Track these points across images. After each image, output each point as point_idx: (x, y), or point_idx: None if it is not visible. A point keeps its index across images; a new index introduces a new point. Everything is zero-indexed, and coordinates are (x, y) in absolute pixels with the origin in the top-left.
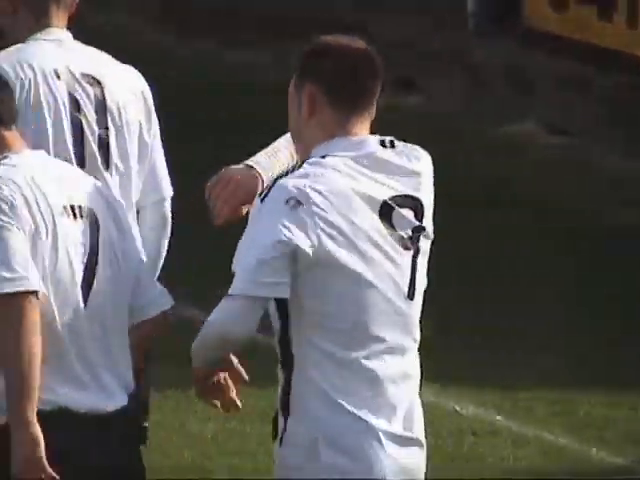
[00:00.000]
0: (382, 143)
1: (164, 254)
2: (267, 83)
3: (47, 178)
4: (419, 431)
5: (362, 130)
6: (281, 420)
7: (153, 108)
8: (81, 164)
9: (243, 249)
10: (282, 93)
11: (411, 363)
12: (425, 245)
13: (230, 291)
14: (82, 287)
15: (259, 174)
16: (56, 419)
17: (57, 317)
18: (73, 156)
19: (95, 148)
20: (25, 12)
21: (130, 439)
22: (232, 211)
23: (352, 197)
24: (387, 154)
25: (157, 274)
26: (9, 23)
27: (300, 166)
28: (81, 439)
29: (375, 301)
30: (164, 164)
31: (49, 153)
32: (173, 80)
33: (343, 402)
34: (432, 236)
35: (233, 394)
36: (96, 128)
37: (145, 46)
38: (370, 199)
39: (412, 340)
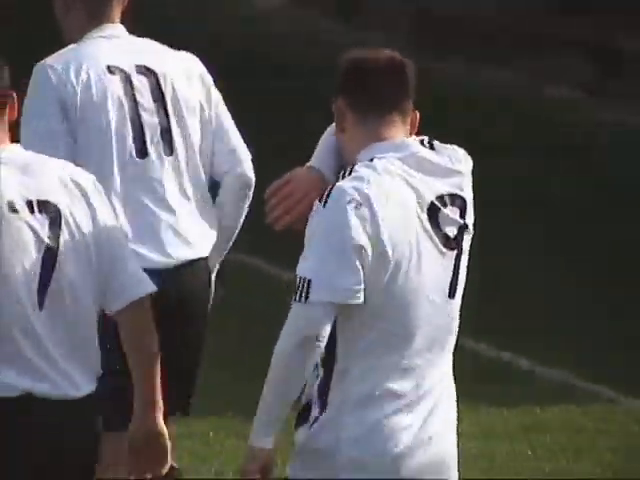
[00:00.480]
0: (422, 143)
1: (242, 219)
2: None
3: (9, 172)
4: (449, 429)
5: (397, 134)
6: (315, 409)
7: (213, 87)
8: (143, 153)
9: (313, 254)
10: None
11: (448, 361)
12: (467, 244)
13: (310, 297)
14: (38, 285)
15: (324, 178)
16: (19, 404)
17: (5, 315)
18: (134, 147)
19: (157, 136)
20: (79, 10)
21: (92, 426)
22: (293, 220)
23: (403, 197)
24: (429, 154)
25: (233, 239)
26: (65, 23)
27: (351, 170)
28: (42, 424)
29: (419, 300)
30: (236, 132)
31: (111, 148)
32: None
33: (379, 400)
34: (472, 232)
35: None
36: (155, 117)
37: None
38: (419, 199)
39: (451, 339)
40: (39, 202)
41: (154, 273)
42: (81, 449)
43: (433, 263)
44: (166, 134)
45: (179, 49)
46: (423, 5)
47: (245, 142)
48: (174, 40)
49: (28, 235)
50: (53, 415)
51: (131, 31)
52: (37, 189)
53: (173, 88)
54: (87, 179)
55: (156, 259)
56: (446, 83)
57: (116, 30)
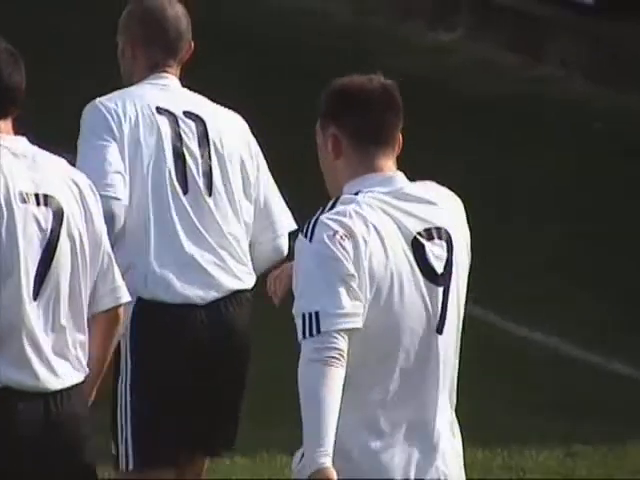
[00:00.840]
0: (409, 179)
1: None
2: None
3: (19, 163)
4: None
5: (387, 164)
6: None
7: (257, 148)
8: (185, 191)
9: (312, 288)
10: None
11: (444, 398)
12: (459, 280)
13: (320, 329)
14: (35, 275)
15: None
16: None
17: (4, 302)
18: (177, 184)
19: (198, 176)
20: (141, 59)
21: (78, 417)
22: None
23: (386, 231)
24: (414, 189)
25: None
26: (126, 66)
27: (334, 203)
28: (24, 413)
29: (403, 334)
30: (278, 201)
31: (152, 184)
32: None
33: (362, 434)
34: (466, 268)
35: None
36: (199, 158)
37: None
38: (402, 233)
39: (443, 374)
40: (44, 196)
41: (201, 307)
42: (67, 443)
43: (416, 297)
44: (208, 177)
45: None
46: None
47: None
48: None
49: (33, 227)
50: (34, 407)
51: None
52: (43, 183)
53: (219, 137)
54: (85, 181)
55: (202, 294)
56: None
57: (172, 82)
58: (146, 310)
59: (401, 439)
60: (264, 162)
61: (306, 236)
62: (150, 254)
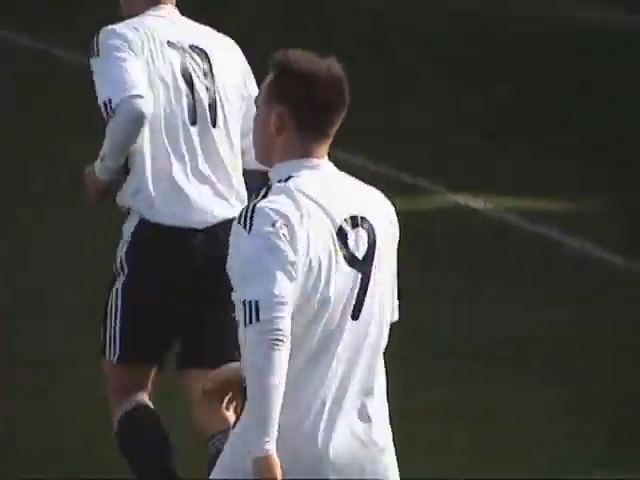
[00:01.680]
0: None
1: None
2: None
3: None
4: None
5: (322, 153)
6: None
7: (250, 71)
8: (193, 122)
9: (253, 277)
10: None
11: (370, 381)
12: (382, 272)
13: (259, 317)
14: None
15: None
16: None
17: None
18: (187, 115)
19: (205, 108)
20: None
21: None
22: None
23: (316, 217)
24: (343, 180)
25: None
26: (125, 1)
27: (267, 192)
28: None
29: (324, 318)
30: None
31: (165, 113)
32: None
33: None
34: (393, 266)
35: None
36: (205, 92)
37: None
38: (329, 220)
39: (365, 360)
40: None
41: (197, 231)
42: None
43: (340, 281)
44: (213, 109)
45: None
46: None
47: None
48: None
49: None
50: None
51: None
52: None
53: (221, 70)
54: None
55: (201, 219)
56: None
57: (173, 12)
58: (148, 227)
59: (324, 418)
60: (256, 90)
61: (245, 227)
62: (158, 180)
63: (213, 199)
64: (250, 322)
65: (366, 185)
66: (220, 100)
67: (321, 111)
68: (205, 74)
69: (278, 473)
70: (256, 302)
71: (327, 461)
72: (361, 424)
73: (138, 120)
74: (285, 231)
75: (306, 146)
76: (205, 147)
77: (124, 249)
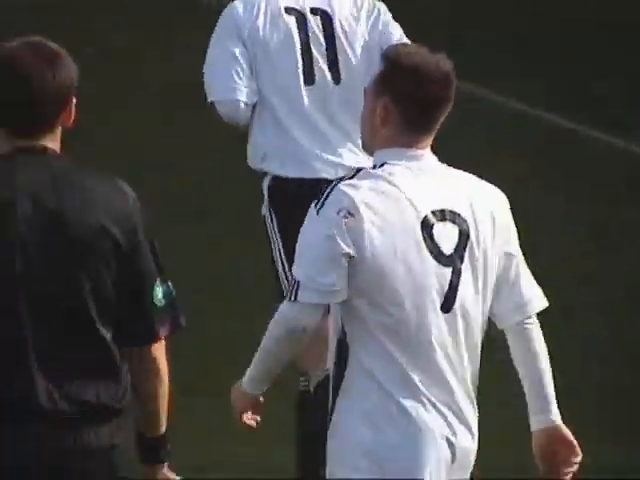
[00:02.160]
0: (439, 160)
1: None
2: None
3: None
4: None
5: (425, 145)
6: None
7: (387, 17)
8: (311, 81)
9: (305, 258)
10: None
11: (459, 378)
12: (477, 267)
13: (297, 297)
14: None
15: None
16: None
17: None
18: (302, 75)
19: (325, 69)
20: None
21: None
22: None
23: (399, 207)
24: (440, 170)
25: None
26: None
27: (354, 175)
28: None
29: (407, 310)
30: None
31: (279, 78)
32: None
33: (391, 392)
34: (492, 265)
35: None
36: (325, 51)
37: None
38: (415, 210)
39: (446, 353)
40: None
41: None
42: None
43: (423, 275)
44: (334, 66)
45: None
46: None
47: None
48: None
49: None
50: None
51: None
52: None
53: (343, 29)
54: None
55: (328, 174)
56: None
57: None
58: (281, 182)
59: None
60: (397, 30)
61: (316, 205)
62: (281, 140)
63: (336, 151)
64: (289, 298)
65: (472, 177)
66: (343, 57)
67: (427, 106)
68: (325, 35)
69: (244, 407)
70: (298, 282)
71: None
72: (456, 419)
73: (237, 121)
74: (348, 220)
75: (408, 138)
76: (324, 106)
77: (266, 205)
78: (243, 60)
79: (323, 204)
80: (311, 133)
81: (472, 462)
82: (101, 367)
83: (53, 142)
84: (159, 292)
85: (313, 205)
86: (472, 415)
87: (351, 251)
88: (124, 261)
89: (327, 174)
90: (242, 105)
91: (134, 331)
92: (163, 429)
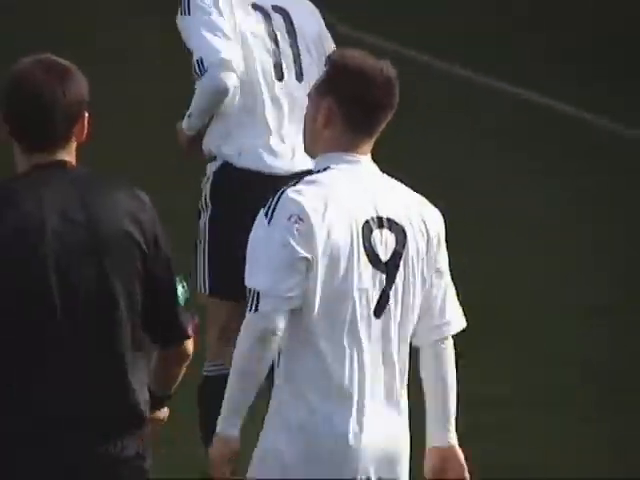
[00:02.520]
0: (378, 168)
1: None
2: None
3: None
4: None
5: (366, 149)
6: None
7: (326, 31)
8: (280, 77)
9: (261, 267)
10: None
11: (392, 376)
12: (411, 276)
13: (258, 307)
14: None
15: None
16: None
17: None
18: (273, 71)
19: (291, 65)
20: None
21: None
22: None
23: (342, 212)
24: (379, 179)
25: None
26: None
27: (297, 182)
28: None
29: (343, 312)
30: None
31: (252, 69)
32: None
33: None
34: (423, 277)
35: None
36: (289, 48)
37: None
38: (355, 216)
39: (392, 357)
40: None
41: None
42: None
43: (360, 279)
44: (297, 63)
45: None
46: None
47: None
48: None
49: None
50: None
51: None
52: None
53: (302, 27)
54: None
55: (285, 167)
56: None
57: None
58: (233, 171)
59: (353, 412)
60: (332, 43)
61: (267, 215)
62: (244, 130)
63: (294, 150)
64: (250, 310)
65: (408, 190)
66: (303, 54)
67: (370, 110)
68: (288, 32)
69: (228, 455)
70: (258, 293)
71: (356, 456)
72: (386, 420)
73: (222, 92)
74: (300, 226)
75: (350, 142)
76: (290, 101)
77: (208, 188)
78: (229, 24)
79: (273, 213)
80: (273, 128)
81: (401, 460)
82: (131, 369)
83: (69, 156)
84: (180, 292)
85: (262, 215)
86: (397, 417)
87: (308, 255)
88: (149, 264)
89: (280, 171)
90: (234, 64)
91: (169, 331)
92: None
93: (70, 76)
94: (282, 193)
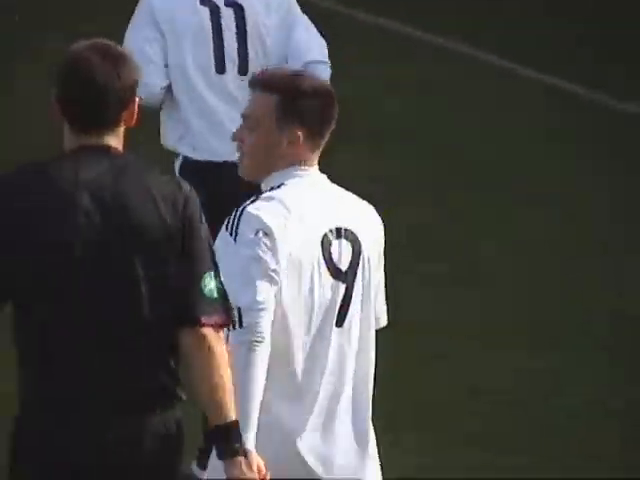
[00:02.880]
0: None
1: None
2: None
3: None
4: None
5: (315, 162)
6: None
7: (289, 13)
8: (222, 71)
9: (235, 284)
10: None
11: (348, 387)
12: (367, 282)
13: (242, 323)
14: None
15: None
16: None
17: None
18: (214, 63)
19: (236, 59)
20: None
21: None
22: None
23: (301, 227)
24: (332, 191)
25: None
26: None
27: (258, 196)
28: None
29: (305, 324)
30: (305, 32)
31: (195, 63)
32: None
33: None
34: (376, 282)
35: None
36: (236, 43)
37: None
38: (314, 229)
39: (349, 367)
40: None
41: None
42: None
43: (322, 289)
44: (244, 59)
45: None
46: None
47: None
48: None
49: None
50: None
51: None
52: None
53: (255, 22)
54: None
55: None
56: None
57: None
58: (192, 164)
59: (315, 420)
60: (302, 22)
61: (231, 234)
62: (194, 126)
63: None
64: (234, 327)
65: (355, 197)
66: (253, 50)
67: (327, 126)
68: (238, 26)
69: (257, 469)
70: (239, 309)
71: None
72: (349, 429)
73: (153, 102)
74: (266, 240)
75: (309, 157)
76: (231, 96)
77: None
78: (157, 45)
79: (237, 230)
80: (215, 120)
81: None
82: (160, 351)
83: (116, 140)
84: (211, 283)
85: (225, 233)
86: (349, 432)
87: (277, 267)
88: (178, 248)
89: (233, 157)
90: (158, 89)
91: (179, 310)
92: (225, 419)
93: (124, 61)
94: (242, 210)
